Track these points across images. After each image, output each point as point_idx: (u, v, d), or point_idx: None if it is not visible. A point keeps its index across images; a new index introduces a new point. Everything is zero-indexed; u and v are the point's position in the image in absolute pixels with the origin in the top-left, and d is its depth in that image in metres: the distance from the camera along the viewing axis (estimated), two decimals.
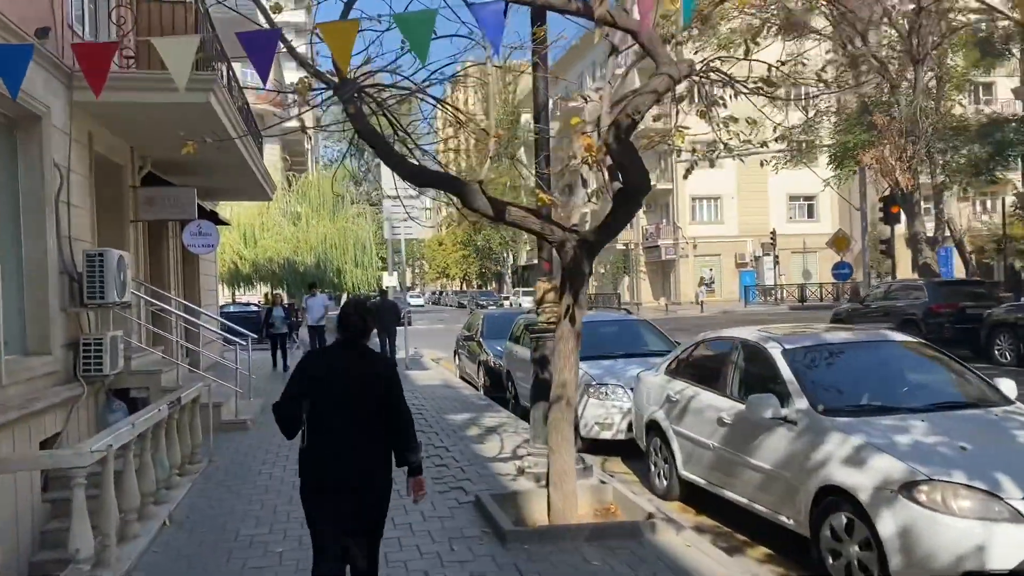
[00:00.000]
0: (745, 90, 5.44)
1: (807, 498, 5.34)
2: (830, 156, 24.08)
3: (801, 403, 5.73)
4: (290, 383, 4.19)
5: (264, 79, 4.68)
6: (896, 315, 19.85)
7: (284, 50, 5.25)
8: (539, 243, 7.66)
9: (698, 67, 5.30)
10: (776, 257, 47.96)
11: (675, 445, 7.31)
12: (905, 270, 53.36)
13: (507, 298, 62.18)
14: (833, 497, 5.12)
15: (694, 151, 8.16)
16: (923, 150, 21.79)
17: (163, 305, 11.37)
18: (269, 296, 29.31)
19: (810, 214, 54.63)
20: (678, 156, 7.33)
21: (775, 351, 6.34)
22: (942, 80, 22.51)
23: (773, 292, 49.43)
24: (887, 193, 25.93)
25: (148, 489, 6.54)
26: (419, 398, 13.52)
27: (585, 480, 7.02)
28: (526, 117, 71.18)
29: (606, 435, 9.30)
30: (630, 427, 8.85)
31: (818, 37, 23.79)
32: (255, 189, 17.15)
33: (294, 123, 7.20)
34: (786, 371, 6.07)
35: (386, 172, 17.19)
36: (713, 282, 52.87)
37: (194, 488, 7.75)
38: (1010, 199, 30.27)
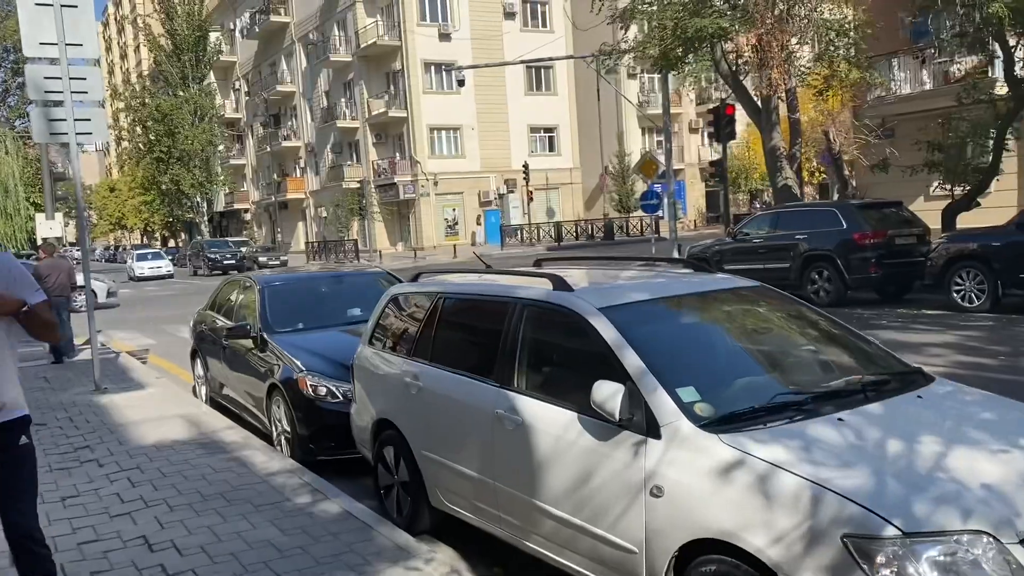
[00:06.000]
0: None
1: None
2: (661, 52, 18.59)
3: None
4: None
5: None
6: (795, 252, 15.09)
7: None
8: None
9: None
10: (530, 193, 43.22)
11: None
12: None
13: (269, 251, 47.86)
14: None
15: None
16: (810, 38, 17.15)
17: None
18: None
19: (551, 147, 50.56)
20: None
21: None
22: None
23: (523, 231, 44.65)
24: (723, 101, 21.39)
25: None
26: (154, 509, 5.63)
27: None
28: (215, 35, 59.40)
29: None
30: None
31: None
32: None
33: None
34: None
35: (28, 13, 8.56)
36: (481, 222, 47.13)
37: None
38: None
